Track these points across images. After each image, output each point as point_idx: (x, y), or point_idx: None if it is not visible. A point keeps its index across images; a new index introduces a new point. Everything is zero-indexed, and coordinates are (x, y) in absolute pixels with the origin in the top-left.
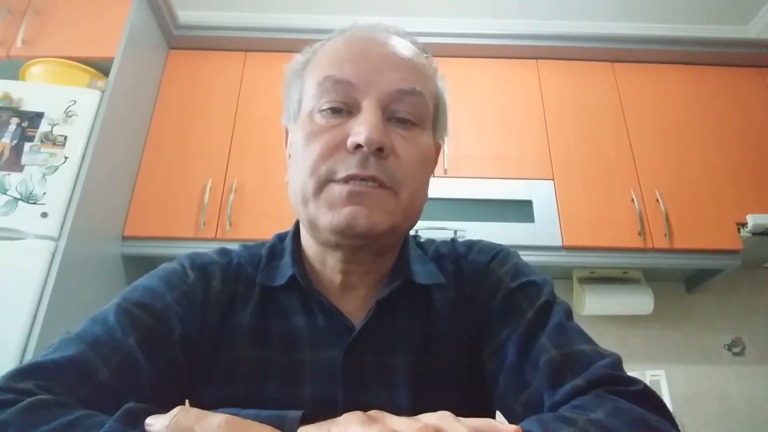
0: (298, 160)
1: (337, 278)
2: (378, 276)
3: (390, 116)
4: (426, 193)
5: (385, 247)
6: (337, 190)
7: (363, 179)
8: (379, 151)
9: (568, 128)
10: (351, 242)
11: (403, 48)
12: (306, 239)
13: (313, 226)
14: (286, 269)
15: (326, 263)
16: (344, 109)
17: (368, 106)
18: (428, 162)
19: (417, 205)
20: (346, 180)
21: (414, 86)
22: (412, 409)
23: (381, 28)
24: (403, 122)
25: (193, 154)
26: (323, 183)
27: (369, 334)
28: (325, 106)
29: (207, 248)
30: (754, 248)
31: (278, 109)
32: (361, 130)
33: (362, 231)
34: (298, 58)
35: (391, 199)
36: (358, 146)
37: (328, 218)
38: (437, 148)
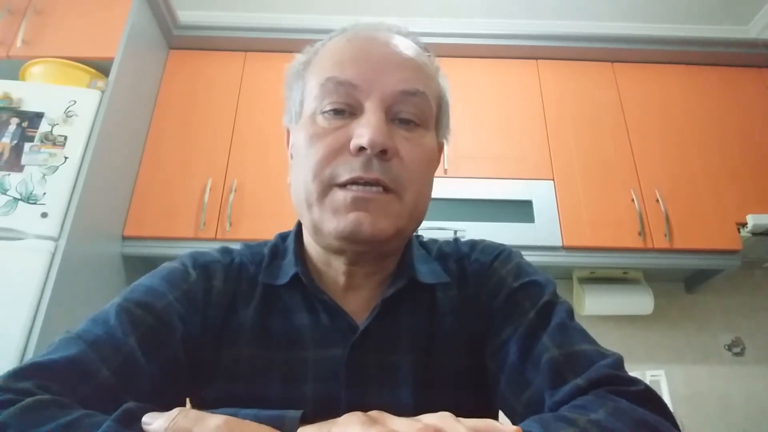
0: (301, 162)
1: (341, 279)
2: (382, 276)
3: (393, 117)
4: (430, 194)
5: (389, 251)
6: (341, 195)
7: (366, 182)
8: (383, 154)
9: (568, 128)
10: (355, 248)
11: (405, 47)
12: (309, 241)
13: (317, 231)
14: (288, 268)
15: (330, 265)
16: (347, 111)
17: (371, 107)
18: (432, 163)
19: (421, 207)
20: (350, 184)
21: (417, 87)
22: (415, 407)
23: (383, 28)
24: (406, 123)
25: (193, 154)
26: (327, 187)
27: (373, 333)
28: (328, 108)
29: (207, 248)
30: (754, 248)
31: (278, 109)
32: (364, 132)
33: (367, 237)
34: (299, 58)
35: (396, 203)
36: (362, 149)
37: (333, 224)
38: (440, 148)
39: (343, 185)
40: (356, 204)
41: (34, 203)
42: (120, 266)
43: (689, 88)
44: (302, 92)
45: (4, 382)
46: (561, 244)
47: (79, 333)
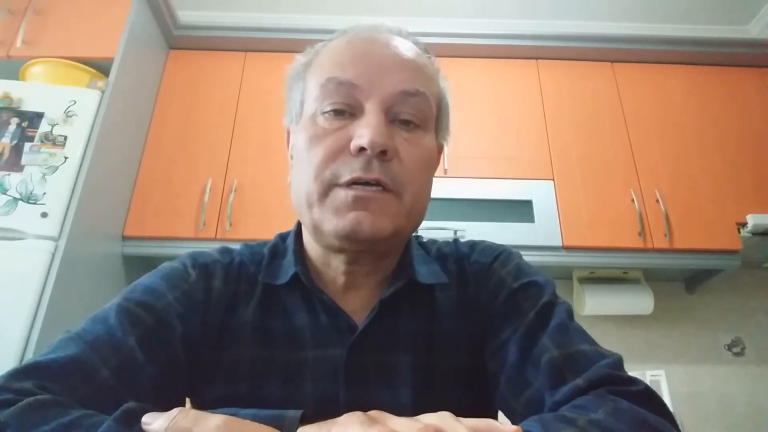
0: (302, 163)
1: (341, 279)
2: (381, 276)
3: (393, 118)
4: (429, 195)
5: (388, 250)
6: (342, 194)
7: (367, 183)
8: (383, 154)
9: (568, 128)
10: (355, 247)
11: (406, 49)
12: (309, 241)
13: (318, 231)
14: (288, 268)
15: (330, 264)
16: (347, 111)
17: (371, 108)
18: (431, 164)
19: (420, 207)
20: (350, 184)
21: (417, 87)
22: (414, 408)
23: (383, 29)
24: (406, 124)
25: (193, 154)
26: (328, 187)
27: (372, 333)
28: (328, 108)
29: (207, 248)
30: (754, 248)
31: (278, 109)
32: (364, 132)
33: (367, 236)
34: (299, 59)
35: (395, 202)
36: (362, 149)
37: (333, 223)
38: (440, 149)
39: (344, 185)
40: (357, 203)
41: (34, 203)
42: (120, 266)
43: (689, 88)
44: (302, 93)
45: (4, 381)
46: (561, 244)
47: (79, 333)
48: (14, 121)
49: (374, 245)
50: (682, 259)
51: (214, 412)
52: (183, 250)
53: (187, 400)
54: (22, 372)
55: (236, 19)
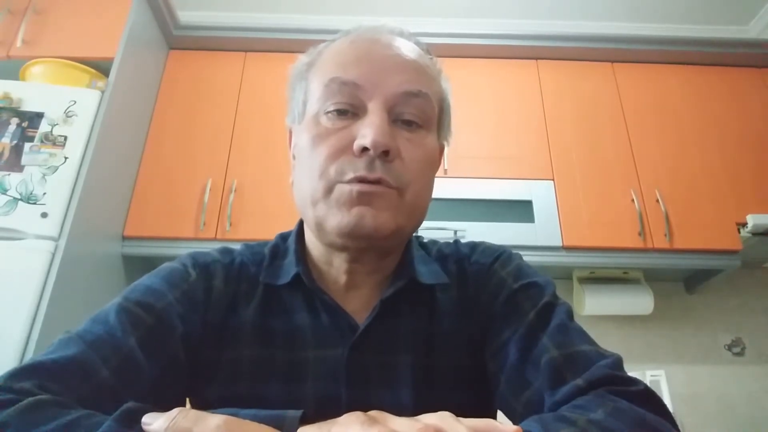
0: (305, 162)
1: (342, 278)
2: (382, 275)
3: (396, 118)
4: (430, 195)
5: (390, 248)
6: (347, 189)
7: (370, 182)
8: (385, 155)
9: (568, 128)
10: (357, 244)
11: (408, 49)
12: (310, 240)
13: (320, 228)
14: (290, 268)
15: (331, 263)
16: (350, 111)
17: (374, 108)
18: (433, 164)
19: (422, 206)
20: (354, 182)
21: (419, 88)
22: (415, 408)
23: (385, 30)
24: (408, 124)
25: (193, 154)
26: (332, 184)
27: (373, 333)
28: (331, 108)
29: (207, 248)
30: (754, 248)
31: (279, 109)
32: (367, 132)
33: (369, 231)
34: (302, 59)
35: (397, 199)
36: (365, 149)
37: (338, 219)
38: (441, 149)
39: (347, 182)
40: (361, 198)
41: (34, 203)
42: (120, 266)
43: (689, 88)
44: (305, 93)
45: (4, 381)
46: (561, 244)
47: (79, 333)
48: (14, 121)
49: (376, 242)
50: (682, 259)
51: (214, 412)
52: (183, 250)
53: (187, 400)
54: (23, 372)
55: (236, 19)
